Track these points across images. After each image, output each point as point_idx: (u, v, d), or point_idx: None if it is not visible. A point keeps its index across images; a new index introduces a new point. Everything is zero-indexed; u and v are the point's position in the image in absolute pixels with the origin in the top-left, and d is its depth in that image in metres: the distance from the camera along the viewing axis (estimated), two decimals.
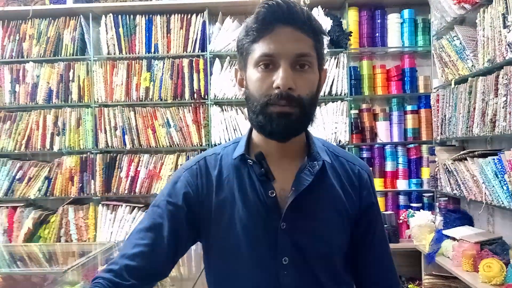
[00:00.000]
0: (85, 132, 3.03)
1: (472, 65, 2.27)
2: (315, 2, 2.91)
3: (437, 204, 2.88)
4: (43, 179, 3.02)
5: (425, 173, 3.00)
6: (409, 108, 3.07)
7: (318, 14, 2.93)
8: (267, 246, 0.86)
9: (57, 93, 3.06)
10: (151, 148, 3.03)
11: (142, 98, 3.02)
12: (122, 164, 3.01)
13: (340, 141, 2.97)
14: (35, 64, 3.07)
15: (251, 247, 0.86)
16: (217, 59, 3.04)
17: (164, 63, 3.02)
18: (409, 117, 3.06)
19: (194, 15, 3.03)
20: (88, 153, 3.03)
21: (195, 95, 3.00)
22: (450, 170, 2.47)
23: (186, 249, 0.92)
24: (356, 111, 3.07)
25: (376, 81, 3.09)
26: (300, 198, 0.86)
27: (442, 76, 2.66)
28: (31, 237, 2.97)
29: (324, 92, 2.95)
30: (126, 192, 2.99)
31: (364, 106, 3.11)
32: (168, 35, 3.05)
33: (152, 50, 3.04)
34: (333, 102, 2.99)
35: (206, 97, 3.01)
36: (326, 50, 2.91)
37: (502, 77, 1.94)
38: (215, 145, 2.93)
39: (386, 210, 3.00)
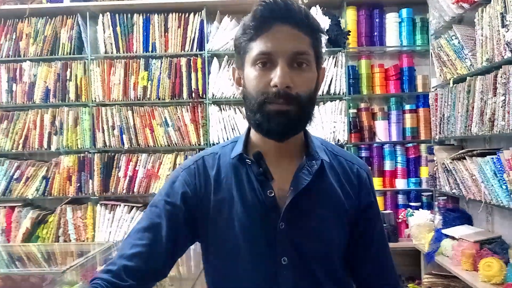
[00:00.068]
0: (82, 131, 3.02)
1: (471, 64, 2.27)
2: (314, 1, 2.91)
3: (436, 203, 2.88)
4: (41, 178, 3.01)
5: (424, 172, 3.00)
6: (407, 107, 3.07)
7: (316, 13, 2.92)
8: (265, 246, 0.85)
9: (55, 92, 3.04)
10: (149, 148, 3.02)
11: (140, 97, 3.01)
12: (120, 163, 3.00)
13: (338, 140, 2.96)
14: (32, 63, 3.05)
15: (249, 247, 0.86)
16: (215, 58, 3.03)
17: (161, 62, 3.01)
18: (408, 116, 3.05)
19: (192, 14, 3.02)
20: (86, 152, 3.02)
21: (193, 94, 2.99)
22: (449, 169, 2.47)
23: (184, 249, 0.91)
24: (355, 111, 3.07)
25: (374, 80, 3.09)
26: (299, 197, 0.85)
27: (440, 75, 2.66)
28: (29, 237, 2.96)
29: (323, 91, 2.94)
30: (124, 191, 2.98)
31: (362, 105, 3.11)
32: (166, 34, 3.04)
33: (150, 49, 3.03)
34: (331, 101, 2.99)
35: (204, 96, 3.00)
36: (324, 49, 2.90)
37: (501, 76, 1.93)
38: (213, 144, 2.92)
39: (385, 210, 2.99)
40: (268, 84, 0.82)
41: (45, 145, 3.02)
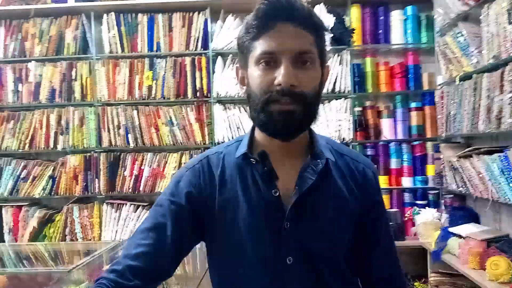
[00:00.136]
0: (88, 131, 3.03)
1: (477, 62, 2.25)
2: None
3: (442, 201, 2.86)
4: (48, 178, 3.02)
5: (430, 170, 2.98)
6: (413, 105, 3.05)
7: (320, 11, 2.91)
8: (271, 246, 0.85)
9: (60, 92, 3.06)
10: (154, 147, 3.03)
11: (144, 97, 3.01)
12: (126, 162, 3.01)
13: (344, 138, 2.95)
14: (38, 63, 3.07)
15: (254, 247, 0.86)
16: (219, 57, 3.02)
17: (166, 62, 3.01)
18: (414, 114, 3.03)
19: (196, 13, 3.02)
20: (92, 152, 3.03)
21: (198, 93, 2.99)
22: (455, 167, 2.45)
23: (189, 249, 0.91)
24: (360, 109, 3.05)
25: (379, 78, 3.07)
26: (304, 197, 0.85)
27: (446, 72, 2.64)
28: (36, 236, 2.98)
29: (328, 90, 2.93)
30: (130, 190, 2.99)
31: (368, 103, 3.09)
32: (170, 33, 3.04)
33: (154, 48, 3.04)
34: (336, 99, 2.97)
35: (208, 96, 3.00)
36: (329, 47, 2.89)
37: (508, 74, 1.91)
38: (218, 143, 2.92)
39: (391, 208, 2.98)
40: (272, 83, 0.81)
41: (51, 144, 3.03)
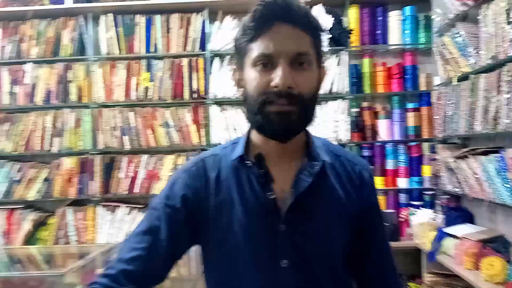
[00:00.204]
0: (84, 133, 3.01)
1: (475, 62, 2.25)
2: None
3: (438, 202, 2.86)
4: (42, 180, 3.00)
5: (426, 171, 2.98)
6: (410, 106, 3.05)
7: (319, 12, 2.90)
8: (266, 249, 0.85)
9: (56, 94, 3.04)
10: (150, 149, 3.01)
11: (141, 98, 3.00)
12: (121, 164, 2.99)
13: (341, 139, 2.95)
14: (34, 65, 3.05)
15: (250, 249, 0.85)
16: (216, 58, 3.02)
17: (163, 63, 3.00)
18: (410, 115, 3.03)
19: (194, 14, 3.01)
20: (87, 154, 3.01)
21: (195, 94, 2.98)
22: (451, 168, 2.45)
23: (184, 253, 0.91)
24: (357, 110, 3.05)
25: (377, 79, 3.06)
26: (300, 199, 0.84)
27: (443, 73, 2.64)
28: (30, 239, 2.95)
29: (325, 91, 2.92)
30: (125, 193, 2.97)
31: (365, 104, 3.09)
32: (168, 34, 3.03)
33: (152, 49, 3.02)
34: (334, 100, 2.97)
35: (205, 97, 2.99)
36: (327, 48, 2.89)
37: (505, 74, 1.91)
38: (215, 145, 2.91)
39: (387, 209, 2.97)
40: (269, 84, 0.81)
41: (46, 147, 3.01)
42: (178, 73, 2.99)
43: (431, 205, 2.95)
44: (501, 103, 1.94)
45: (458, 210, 2.62)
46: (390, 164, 3.03)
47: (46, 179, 3.00)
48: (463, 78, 2.37)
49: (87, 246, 2.77)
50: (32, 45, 3.05)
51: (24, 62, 3.05)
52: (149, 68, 3.00)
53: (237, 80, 0.90)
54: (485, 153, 2.13)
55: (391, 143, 3.03)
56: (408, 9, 3.02)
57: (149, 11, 3.03)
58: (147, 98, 3.00)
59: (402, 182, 3.01)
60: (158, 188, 2.94)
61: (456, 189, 2.43)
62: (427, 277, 2.57)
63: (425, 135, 3.01)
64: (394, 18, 3.03)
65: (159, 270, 0.86)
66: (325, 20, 2.88)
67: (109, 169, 2.99)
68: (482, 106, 2.11)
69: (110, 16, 3.01)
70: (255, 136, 0.90)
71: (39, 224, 2.99)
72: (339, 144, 2.84)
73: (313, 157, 0.88)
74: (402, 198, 3.04)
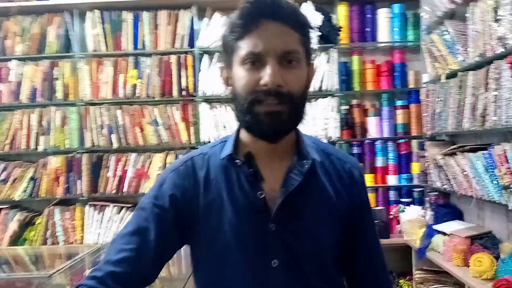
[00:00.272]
0: (70, 131, 2.96)
1: (463, 60, 2.27)
2: None
3: (427, 199, 2.89)
4: (28, 180, 2.95)
5: (415, 168, 3.01)
6: (399, 103, 3.07)
7: (308, 9, 2.90)
8: (256, 249, 0.84)
9: (42, 91, 2.98)
10: (139, 147, 2.98)
11: (129, 96, 2.96)
12: (109, 163, 2.96)
13: (330, 137, 2.95)
14: (19, 62, 2.99)
15: (240, 249, 0.84)
16: (205, 55, 2.99)
17: (151, 60, 2.96)
18: (399, 112, 3.05)
19: (182, 10, 2.98)
20: (74, 152, 2.97)
21: (184, 92, 2.95)
22: (440, 165, 2.47)
23: (173, 253, 0.89)
24: (347, 107, 3.06)
25: (366, 76, 3.08)
26: (290, 198, 0.83)
27: (432, 70, 2.66)
28: (16, 239, 2.90)
29: (315, 88, 2.92)
30: (113, 192, 2.94)
31: (354, 101, 3.10)
32: (156, 31, 2.99)
33: (139, 46, 2.99)
34: (323, 98, 2.97)
35: (194, 94, 2.96)
36: (316, 46, 2.88)
37: (493, 72, 1.93)
38: (204, 143, 2.89)
39: (376, 206, 2.99)
40: (258, 83, 0.79)
41: (32, 145, 2.96)
42: (166, 70, 2.96)
43: (420, 202, 2.97)
44: (489, 100, 1.96)
45: (447, 207, 2.65)
46: (379, 161, 3.04)
47: (32, 178, 2.95)
48: (452, 75, 2.38)
49: (74, 246, 2.73)
50: (16, 42, 2.99)
51: (9, 59, 2.99)
52: (136, 65, 2.97)
53: (225, 78, 0.89)
54: (473, 150, 2.15)
55: (381, 141, 3.04)
56: (396, 7, 3.03)
57: (137, 7, 2.99)
58: (135, 96, 2.96)
59: (392, 179, 3.03)
60: (147, 187, 2.91)
61: (445, 186, 2.45)
62: (417, 274, 2.59)
63: (414, 132, 3.03)
64: (383, 16, 3.04)
65: (147, 272, 0.84)
66: (314, 17, 2.88)
67: (96, 168, 2.95)
68: (470, 103, 2.12)
69: (97, 12, 2.97)
70: (245, 135, 0.89)
71: (26, 224, 2.94)
72: (329, 142, 2.85)
73: (303, 156, 0.87)
74: (392, 195, 3.06)
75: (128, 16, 2.99)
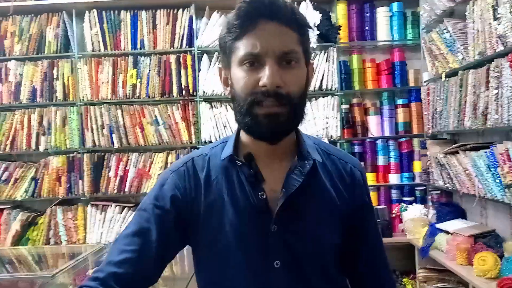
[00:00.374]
0: (71, 131, 2.96)
1: (463, 58, 2.26)
2: None
3: (429, 197, 2.88)
4: (30, 180, 2.95)
5: (417, 166, 3.00)
6: (399, 102, 3.06)
7: (307, 8, 2.89)
8: (258, 249, 0.83)
9: (41, 91, 2.98)
10: (139, 147, 2.98)
11: (129, 96, 2.96)
12: (110, 163, 2.96)
13: (331, 136, 2.95)
14: (18, 62, 2.99)
15: (241, 250, 0.84)
16: (205, 54, 2.99)
17: (150, 60, 2.96)
18: (400, 111, 3.05)
19: (180, 10, 2.97)
20: (75, 152, 2.97)
21: (183, 91, 2.95)
22: (442, 163, 2.46)
23: (174, 254, 0.89)
24: (347, 106, 3.05)
25: (366, 75, 3.07)
26: (291, 199, 0.83)
27: (432, 69, 2.65)
28: (19, 239, 2.90)
29: (314, 87, 2.92)
30: (115, 191, 2.94)
31: (354, 100, 3.09)
32: (154, 30, 2.99)
33: (138, 46, 2.98)
34: (323, 97, 2.97)
35: (194, 94, 2.96)
36: (315, 45, 2.88)
37: (493, 70, 1.92)
38: (205, 142, 2.89)
39: (378, 205, 2.99)
40: (257, 84, 0.79)
41: (33, 145, 2.96)
42: (166, 70, 2.96)
43: (422, 200, 2.97)
44: (490, 98, 1.95)
45: (450, 206, 2.64)
46: (381, 160, 3.04)
47: (33, 179, 2.95)
48: (452, 74, 2.38)
49: (77, 246, 2.73)
50: (15, 42, 2.98)
51: (7, 60, 2.99)
52: (136, 65, 2.96)
53: (224, 79, 0.88)
54: (476, 148, 2.14)
55: (382, 139, 3.04)
56: (395, 5, 3.02)
57: (135, 7, 2.98)
58: (135, 96, 2.96)
59: (393, 178, 3.03)
60: (149, 186, 2.92)
61: (447, 185, 2.44)
62: (420, 273, 2.59)
63: (415, 131, 3.02)
64: (382, 15, 3.03)
65: (149, 272, 0.84)
66: (313, 16, 2.87)
67: (98, 168, 2.95)
68: (471, 102, 2.12)
69: (95, 12, 2.96)
70: (245, 136, 0.88)
71: (29, 224, 2.94)
72: (330, 141, 2.85)
73: (303, 156, 0.86)
74: (394, 193, 3.05)
75: (126, 16, 2.98)
